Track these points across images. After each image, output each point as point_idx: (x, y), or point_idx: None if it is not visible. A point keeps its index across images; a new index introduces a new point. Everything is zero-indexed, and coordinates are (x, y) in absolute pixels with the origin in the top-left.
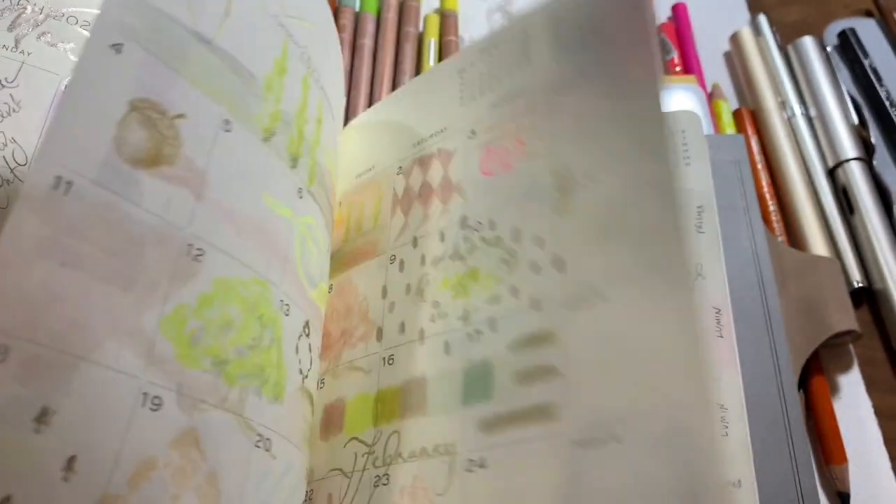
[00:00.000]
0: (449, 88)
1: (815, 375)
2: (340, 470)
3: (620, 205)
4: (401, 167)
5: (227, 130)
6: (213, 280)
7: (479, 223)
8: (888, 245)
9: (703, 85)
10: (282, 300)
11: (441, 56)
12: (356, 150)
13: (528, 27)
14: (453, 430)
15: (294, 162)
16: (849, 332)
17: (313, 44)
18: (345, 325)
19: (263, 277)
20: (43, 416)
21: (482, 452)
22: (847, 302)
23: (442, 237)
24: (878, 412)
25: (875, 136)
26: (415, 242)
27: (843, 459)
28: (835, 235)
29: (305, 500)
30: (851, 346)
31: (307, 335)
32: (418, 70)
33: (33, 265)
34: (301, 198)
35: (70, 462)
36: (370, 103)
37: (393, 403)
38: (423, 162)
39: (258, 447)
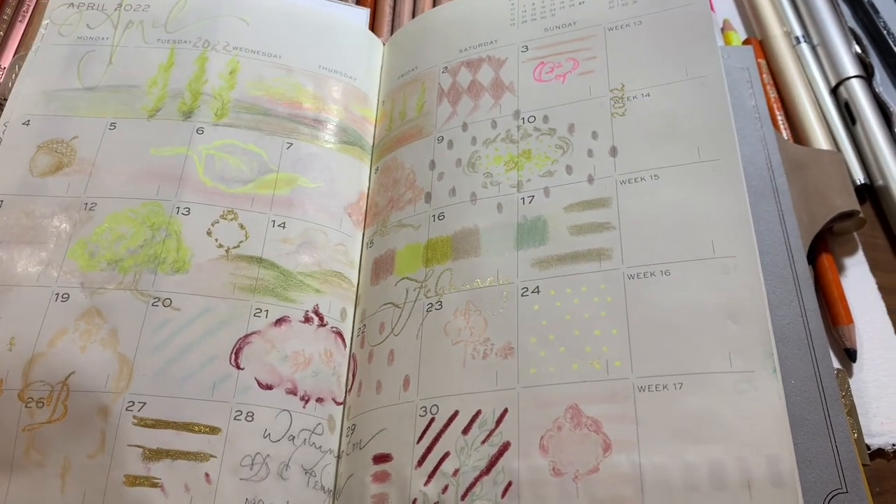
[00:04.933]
0: (498, 11)
1: (822, 253)
2: (392, 303)
3: (673, 114)
4: (446, 67)
5: (112, 129)
6: (105, 217)
7: (533, 117)
8: (888, 149)
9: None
10: (178, 207)
11: None
12: (398, 56)
13: None
14: (507, 268)
15: (188, 115)
16: (851, 215)
17: (218, 28)
18: (392, 194)
19: (153, 200)
20: None
21: (537, 282)
22: (850, 188)
23: (494, 125)
24: (882, 288)
25: (875, 61)
26: (464, 127)
27: (850, 321)
28: (838, 141)
29: (359, 335)
30: (856, 235)
31: (231, 220)
32: None
33: None
34: (201, 133)
35: (12, 340)
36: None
37: (444, 248)
38: (470, 64)
39: (155, 306)
